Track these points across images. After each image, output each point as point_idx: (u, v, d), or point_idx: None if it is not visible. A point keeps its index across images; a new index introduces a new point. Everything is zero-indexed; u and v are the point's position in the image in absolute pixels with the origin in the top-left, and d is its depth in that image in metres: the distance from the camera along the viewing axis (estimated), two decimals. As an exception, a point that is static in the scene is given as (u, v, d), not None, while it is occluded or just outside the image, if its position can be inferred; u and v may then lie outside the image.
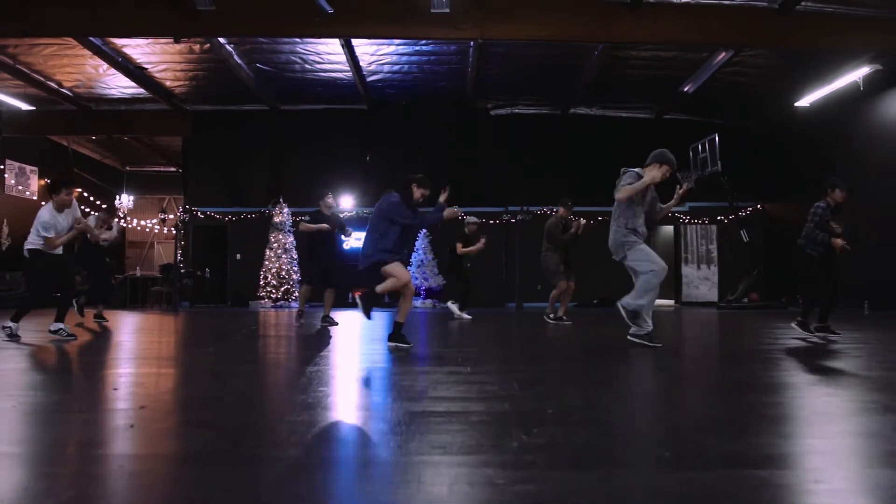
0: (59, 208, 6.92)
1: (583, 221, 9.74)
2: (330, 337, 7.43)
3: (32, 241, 6.89)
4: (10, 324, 6.84)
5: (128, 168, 22.78)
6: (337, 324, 9.23)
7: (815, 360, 5.21)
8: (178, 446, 2.56)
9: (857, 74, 12.25)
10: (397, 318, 5.93)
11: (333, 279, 9.48)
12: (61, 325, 6.92)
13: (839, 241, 6.95)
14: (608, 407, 3.37)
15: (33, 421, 3.02)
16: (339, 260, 9.88)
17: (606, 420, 3.03)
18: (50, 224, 6.78)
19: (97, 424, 2.93)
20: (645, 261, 6.00)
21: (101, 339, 7.27)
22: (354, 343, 6.96)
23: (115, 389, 3.83)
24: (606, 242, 6.33)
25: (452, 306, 11.49)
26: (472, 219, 11.68)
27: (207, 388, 3.97)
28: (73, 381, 4.49)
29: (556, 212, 10.16)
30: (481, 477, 2.04)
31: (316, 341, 6.97)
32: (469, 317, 11.13)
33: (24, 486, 2.00)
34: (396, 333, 5.86)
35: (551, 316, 9.84)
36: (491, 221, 16.82)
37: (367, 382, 4.16)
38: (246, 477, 2.04)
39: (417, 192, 5.98)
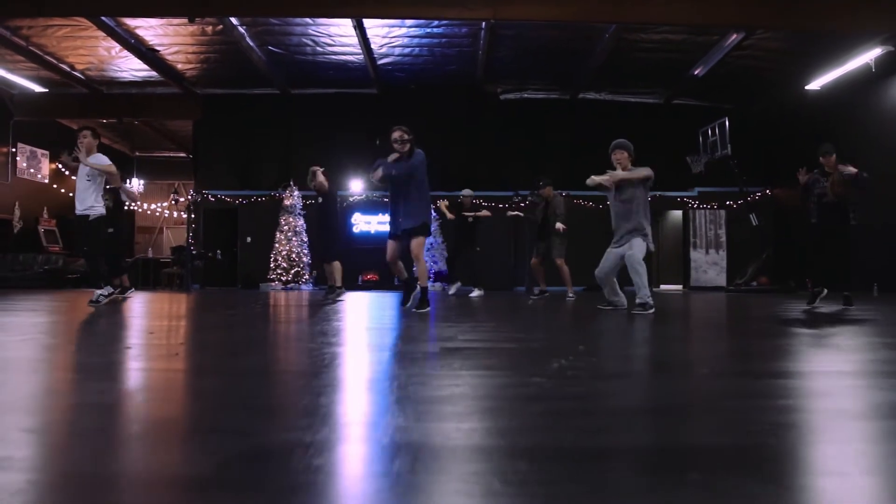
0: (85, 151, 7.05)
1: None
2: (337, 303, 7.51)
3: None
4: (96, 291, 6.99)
5: (137, 153, 22.88)
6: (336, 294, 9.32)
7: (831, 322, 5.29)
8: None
9: (869, 56, 12.25)
10: (422, 283, 6.09)
11: (325, 252, 9.59)
12: (100, 290, 7.06)
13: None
14: (637, 345, 3.45)
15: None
16: (335, 231, 9.83)
17: (638, 353, 3.11)
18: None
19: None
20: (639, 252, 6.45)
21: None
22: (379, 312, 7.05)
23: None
24: (612, 227, 6.70)
25: (474, 292, 11.58)
26: (467, 191, 12.33)
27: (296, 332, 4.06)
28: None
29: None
30: (532, 385, 2.12)
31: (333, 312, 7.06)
32: (453, 292, 11.38)
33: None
34: (425, 298, 6.07)
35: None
36: (500, 205, 16.86)
37: (403, 333, 4.25)
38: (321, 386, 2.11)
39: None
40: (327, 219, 9.62)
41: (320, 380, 2.25)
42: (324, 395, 1.96)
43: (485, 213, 12.05)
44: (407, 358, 2.79)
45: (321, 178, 9.47)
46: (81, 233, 7.21)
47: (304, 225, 16.07)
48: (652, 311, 6.08)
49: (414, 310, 6.02)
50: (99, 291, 7.05)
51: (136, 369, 2.58)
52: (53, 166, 18.59)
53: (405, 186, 5.95)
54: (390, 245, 6.15)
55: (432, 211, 6.16)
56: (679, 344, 3.93)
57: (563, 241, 10.37)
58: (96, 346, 3.58)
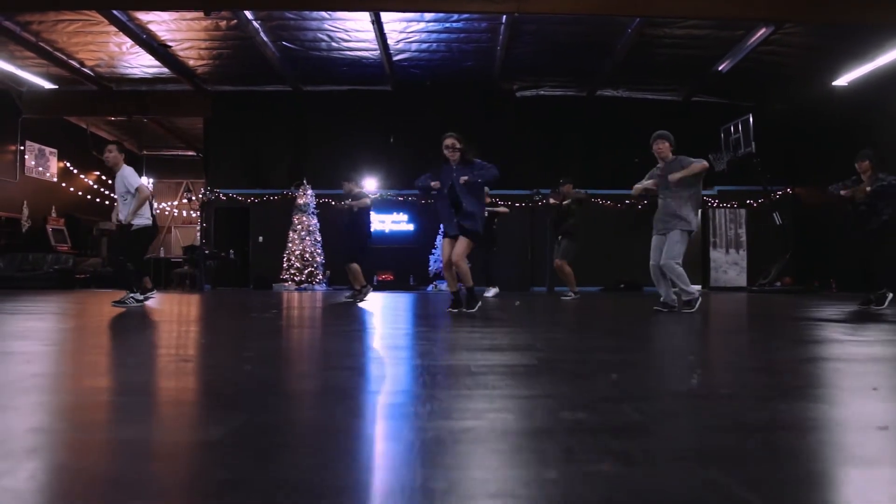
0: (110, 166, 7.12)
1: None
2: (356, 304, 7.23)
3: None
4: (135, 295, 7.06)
5: (145, 152, 22.60)
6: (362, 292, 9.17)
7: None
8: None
9: (900, 51, 11.95)
10: (467, 284, 6.14)
11: (352, 255, 9.34)
12: (132, 294, 7.09)
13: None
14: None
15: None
16: (360, 237, 9.64)
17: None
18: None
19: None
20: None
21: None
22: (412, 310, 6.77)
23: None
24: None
25: (490, 291, 11.40)
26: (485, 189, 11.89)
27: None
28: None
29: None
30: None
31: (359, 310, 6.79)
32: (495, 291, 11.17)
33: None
34: (473, 296, 6.22)
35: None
36: (516, 204, 16.58)
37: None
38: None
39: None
40: (361, 228, 9.43)
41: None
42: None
43: (502, 209, 11.82)
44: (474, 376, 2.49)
45: (355, 189, 9.48)
46: (120, 240, 7.19)
47: (318, 224, 15.79)
48: (698, 303, 6.37)
49: (466, 310, 6.05)
50: (131, 295, 7.06)
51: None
52: (61, 165, 18.33)
53: (465, 191, 5.98)
54: (447, 245, 6.11)
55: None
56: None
57: (573, 244, 10.14)
58: (217, 364, 3.29)
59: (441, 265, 15.61)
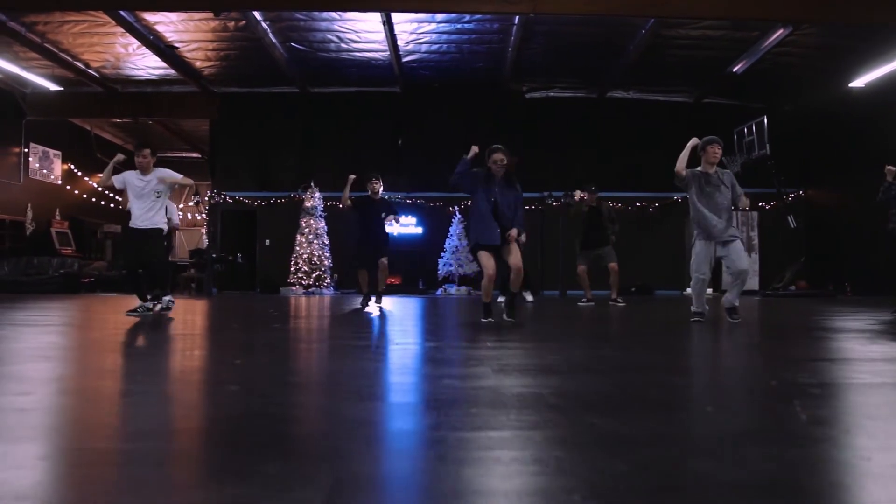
0: (140, 170, 6.97)
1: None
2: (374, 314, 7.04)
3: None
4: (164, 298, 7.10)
5: (149, 154, 22.38)
6: (368, 304, 8.99)
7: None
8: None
9: (920, 52, 11.77)
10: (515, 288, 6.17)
11: (383, 251, 9.11)
12: (168, 297, 7.12)
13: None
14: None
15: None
16: (387, 242, 9.49)
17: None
18: (121, 178, 6.99)
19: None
20: (692, 266, 6.43)
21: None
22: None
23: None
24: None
25: (526, 296, 11.24)
26: None
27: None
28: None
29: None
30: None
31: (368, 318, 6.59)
32: (531, 299, 11.08)
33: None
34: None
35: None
36: (526, 207, 16.36)
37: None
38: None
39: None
40: (381, 227, 9.26)
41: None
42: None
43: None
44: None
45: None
46: (144, 245, 6.97)
47: (326, 227, 15.60)
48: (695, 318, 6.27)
49: (507, 318, 6.06)
50: (167, 298, 7.12)
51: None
52: (66, 167, 18.13)
53: (508, 208, 6.04)
54: (488, 257, 5.91)
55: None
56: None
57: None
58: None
59: (450, 268, 15.60)
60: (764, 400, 2.42)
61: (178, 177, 7.18)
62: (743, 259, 6.32)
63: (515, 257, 5.97)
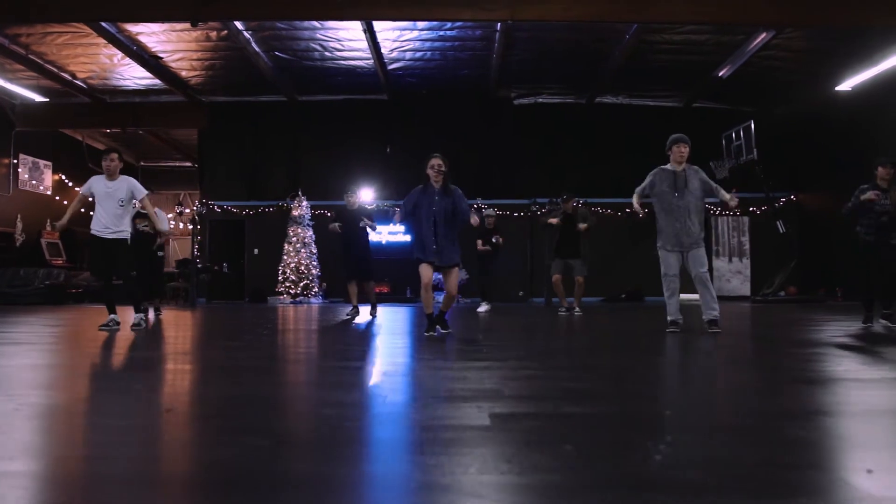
0: (107, 175, 6.92)
1: (556, 221, 10.05)
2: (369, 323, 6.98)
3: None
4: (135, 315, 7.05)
5: (143, 163, 22.43)
6: (358, 314, 9.23)
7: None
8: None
9: (904, 55, 11.66)
10: (444, 308, 6.13)
11: (367, 271, 9.50)
12: (140, 315, 7.04)
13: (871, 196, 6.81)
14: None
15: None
16: (371, 254, 9.76)
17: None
18: (84, 190, 6.94)
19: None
20: (662, 271, 6.46)
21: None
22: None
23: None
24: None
25: (483, 307, 11.20)
26: (490, 212, 11.94)
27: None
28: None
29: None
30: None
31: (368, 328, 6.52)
32: (487, 307, 10.98)
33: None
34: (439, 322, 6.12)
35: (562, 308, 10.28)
36: (514, 214, 16.33)
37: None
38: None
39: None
40: (365, 238, 9.58)
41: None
42: None
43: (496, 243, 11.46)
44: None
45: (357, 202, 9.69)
46: (108, 255, 6.92)
47: (314, 236, 15.54)
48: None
49: (443, 331, 6.10)
50: (139, 316, 7.05)
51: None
52: (56, 178, 18.16)
53: (444, 219, 5.95)
54: (428, 269, 5.92)
55: None
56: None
57: (588, 258, 10.03)
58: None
59: (437, 277, 15.51)
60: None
61: (143, 194, 7.06)
62: (702, 261, 6.33)
63: (452, 284, 6.06)
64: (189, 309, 12.45)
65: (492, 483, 1.67)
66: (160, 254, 10.17)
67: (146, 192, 7.15)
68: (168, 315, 10.05)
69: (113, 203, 6.86)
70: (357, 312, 9.29)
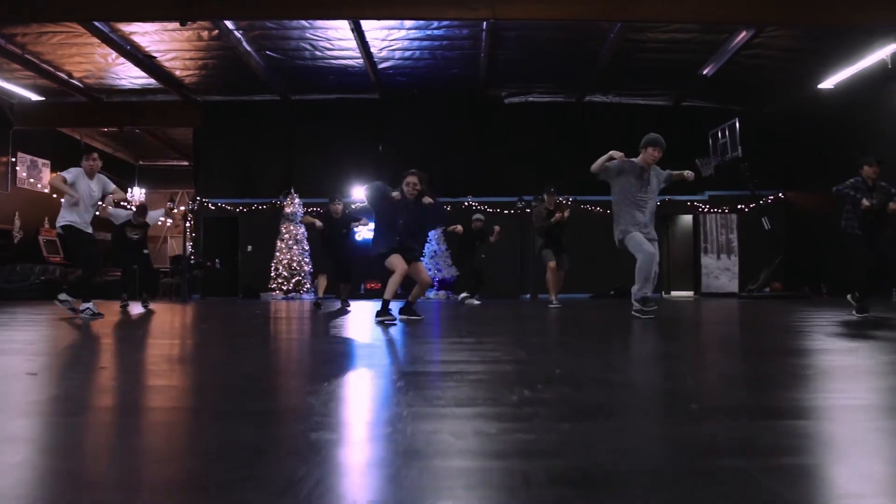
0: (87, 174, 7.12)
1: (566, 214, 10.24)
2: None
3: (62, 217, 7.19)
4: (84, 305, 7.08)
5: (140, 162, 22.70)
6: (321, 308, 9.58)
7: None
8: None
9: (884, 52, 11.77)
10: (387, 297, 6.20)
11: (348, 273, 9.97)
12: (88, 305, 7.08)
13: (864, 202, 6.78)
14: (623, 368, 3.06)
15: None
16: (353, 255, 10.21)
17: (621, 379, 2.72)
18: (71, 180, 7.03)
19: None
20: (635, 250, 6.44)
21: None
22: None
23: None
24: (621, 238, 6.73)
25: (467, 299, 11.45)
26: (478, 216, 12.21)
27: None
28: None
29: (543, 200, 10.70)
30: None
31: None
32: (478, 302, 11.20)
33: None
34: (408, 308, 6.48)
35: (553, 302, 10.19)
36: (505, 212, 16.49)
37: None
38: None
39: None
40: (349, 241, 10.16)
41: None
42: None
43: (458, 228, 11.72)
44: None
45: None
46: (91, 247, 7.31)
47: (305, 233, 15.74)
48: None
49: (402, 315, 6.33)
50: (87, 305, 7.12)
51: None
52: (54, 175, 18.40)
53: (413, 228, 6.23)
54: (399, 258, 6.11)
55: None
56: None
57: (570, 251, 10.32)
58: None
59: (428, 273, 15.71)
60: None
61: (111, 188, 7.33)
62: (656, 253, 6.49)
63: (423, 274, 6.35)
64: (181, 304, 12.67)
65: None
66: (145, 251, 10.40)
67: (112, 188, 7.46)
68: (158, 308, 10.27)
69: (92, 201, 7.13)
70: (321, 305, 9.78)
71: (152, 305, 10.15)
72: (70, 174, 7.14)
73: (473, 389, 2.39)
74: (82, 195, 7.07)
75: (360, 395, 2.46)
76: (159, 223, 14.51)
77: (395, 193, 6.16)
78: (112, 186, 7.37)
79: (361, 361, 3.48)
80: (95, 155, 7.24)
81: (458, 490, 1.26)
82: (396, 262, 6.06)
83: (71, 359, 3.76)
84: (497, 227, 11.42)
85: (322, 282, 10.04)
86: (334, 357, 3.69)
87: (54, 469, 1.43)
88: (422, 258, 6.42)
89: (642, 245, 6.42)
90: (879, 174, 7.05)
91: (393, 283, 6.08)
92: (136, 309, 9.23)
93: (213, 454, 1.53)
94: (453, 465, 1.42)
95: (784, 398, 2.24)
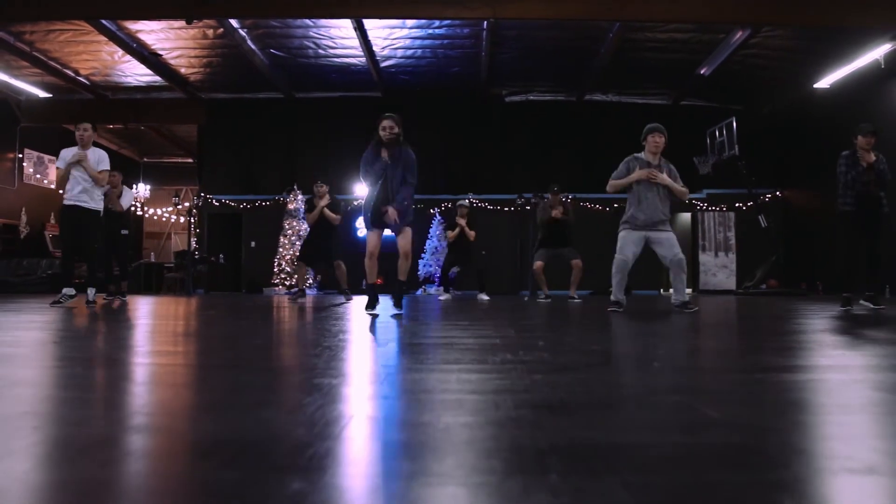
0: (80, 145, 7.13)
1: (560, 210, 10.20)
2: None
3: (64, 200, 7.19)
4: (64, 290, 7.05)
5: (145, 159, 22.96)
6: (351, 298, 9.62)
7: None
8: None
9: (878, 52, 11.98)
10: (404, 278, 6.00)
11: (328, 252, 9.86)
12: (69, 289, 7.10)
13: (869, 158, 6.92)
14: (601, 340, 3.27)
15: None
16: (339, 241, 10.23)
17: (599, 349, 2.94)
18: (63, 163, 7.10)
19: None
20: (616, 249, 6.57)
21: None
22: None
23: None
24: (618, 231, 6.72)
25: (481, 297, 11.48)
26: (464, 202, 12.11)
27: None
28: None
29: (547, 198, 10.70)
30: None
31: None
32: (487, 298, 11.27)
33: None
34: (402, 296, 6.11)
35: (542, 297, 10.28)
36: (505, 209, 16.72)
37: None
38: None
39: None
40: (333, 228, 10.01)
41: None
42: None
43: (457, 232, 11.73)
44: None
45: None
46: (83, 226, 7.17)
47: (308, 229, 15.92)
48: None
49: (396, 310, 5.84)
50: (66, 291, 7.10)
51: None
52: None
53: (396, 181, 5.64)
54: (375, 236, 5.76)
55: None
56: None
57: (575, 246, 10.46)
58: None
59: (430, 269, 15.95)
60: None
61: (106, 166, 7.24)
62: (675, 247, 6.34)
63: (404, 239, 5.76)
64: (185, 297, 12.91)
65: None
66: (124, 232, 9.57)
67: (108, 167, 7.29)
68: (163, 301, 10.47)
69: (84, 173, 7.04)
70: (304, 294, 9.90)
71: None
72: (61, 160, 7.16)
73: (461, 354, 2.62)
74: (72, 167, 7.08)
75: (359, 358, 2.68)
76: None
77: (384, 155, 5.62)
78: (104, 165, 7.20)
79: (360, 336, 3.71)
80: (87, 125, 7.10)
81: (437, 412, 1.48)
82: (368, 239, 5.74)
83: (88, 334, 3.99)
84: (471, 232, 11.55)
85: (301, 271, 10.16)
86: (335, 333, 3.91)
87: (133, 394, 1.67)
88: (409, 223, 5.79)
89: (623, 249, 6.47)
90: (873, 145, 7.01)
91: (367, 266, 5.77)
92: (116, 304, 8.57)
93: (233, 390, 1.76)
94: (435, 398, 1.64)
95: (744, 361, 2.45)
